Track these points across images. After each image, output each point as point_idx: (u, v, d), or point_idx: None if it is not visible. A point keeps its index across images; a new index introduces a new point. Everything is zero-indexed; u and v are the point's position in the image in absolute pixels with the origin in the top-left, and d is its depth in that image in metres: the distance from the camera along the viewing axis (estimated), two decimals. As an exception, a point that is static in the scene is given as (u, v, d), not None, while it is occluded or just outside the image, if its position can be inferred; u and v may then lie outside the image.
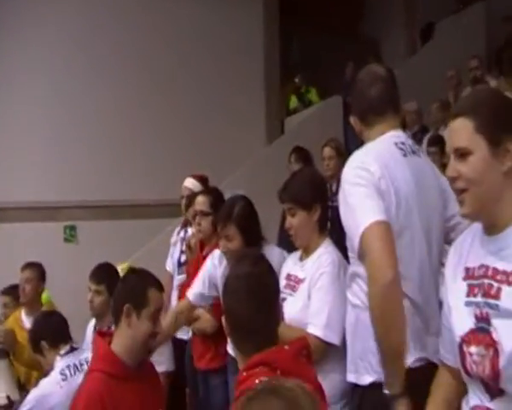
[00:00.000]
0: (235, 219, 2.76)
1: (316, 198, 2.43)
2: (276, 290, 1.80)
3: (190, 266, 3.67)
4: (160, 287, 2.29)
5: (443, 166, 4.73)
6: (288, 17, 8.49)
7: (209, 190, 3.54)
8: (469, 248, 1.54)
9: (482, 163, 1.43)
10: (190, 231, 4.22)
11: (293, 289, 2.41)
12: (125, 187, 7.08)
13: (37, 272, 4.08)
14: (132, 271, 2.50)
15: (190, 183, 4.41)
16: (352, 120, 2.18)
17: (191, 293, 3.02)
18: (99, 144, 7.09)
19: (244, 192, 3.28)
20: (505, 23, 8.44)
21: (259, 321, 1.67)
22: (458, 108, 1.55)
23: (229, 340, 2.85)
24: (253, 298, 1.68)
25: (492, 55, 8.54)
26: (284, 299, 2.38)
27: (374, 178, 1.86)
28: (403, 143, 2.04)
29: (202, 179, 4.46)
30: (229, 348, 2.94)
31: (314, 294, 2.29)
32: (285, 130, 8.33)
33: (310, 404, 1.14)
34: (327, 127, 7.07)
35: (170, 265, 4.51)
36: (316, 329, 2.22)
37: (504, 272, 1.40)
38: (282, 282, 2.45)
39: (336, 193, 4.60)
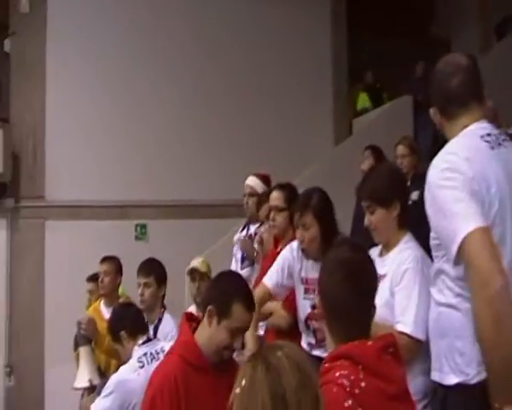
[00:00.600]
0: (313, 208, 2.79)
1: (394, 194, 2.37)
2: (375, 279, 1.75)
3: (264, 261, 3.67)
4: (249, 306, 2.14)
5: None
6: (357, 19, 8.42)
7: (283, 185, 3.48)
8: None
9: None
10: (253, 228, 4.25)
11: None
12: (196, 187, 7.24)
13: (115, 265, 4.24)
14: (230, 274, 2.43)
15: (252, 181, 4.42)
16: (432, 112, 2.10)
17: (269, 281, 2.98)
18: (170, 145, 7.30)
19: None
20: None
21: (355, 306, 1.63)
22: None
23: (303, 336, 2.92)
24: (353, 282, 1.64)
25: None
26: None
27: (466, 179, 1.79)
28: (489, 135, 1.95)
29: (265, 178, 4.45)
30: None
31: (399, 292, 2.25)
32: (353, 131, 8.24)
33: (293, 375, 1.19)
34: (396, 128, 6.93)
35: (234, 266, 4.53)
36: (405, 327, 2.16)
37: None
38: None
39: (410, 192, 4.55)
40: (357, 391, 1.49)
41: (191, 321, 2.29)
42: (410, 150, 4.83)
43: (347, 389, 1.49)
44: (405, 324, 2.17)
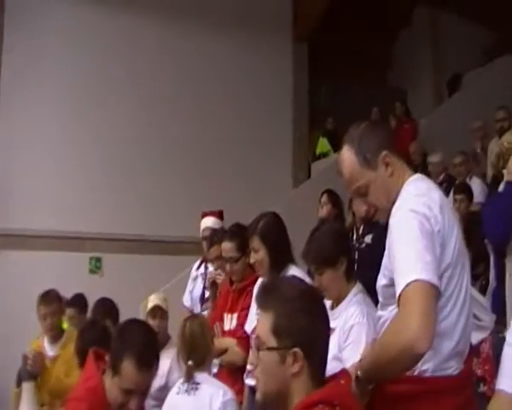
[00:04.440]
0: (259, 232, 2.92)
1: (339, 252, 2.44)
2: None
3: (219, 300, 3.67)
4: (141, 365, 1.89)
5: (469, 214, 4.77)
6: (318, 64, 8.69)
7: (233, 232, 3.43)
8: None
9: None
10: (211, 267, 4.23)
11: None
12: (153, 223, 7.21)
13: (56, 305, 3.95)
14: (132, 326, 2.12)
15: (210, 221, 4.44)
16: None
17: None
18: (128, 180, 7.28)
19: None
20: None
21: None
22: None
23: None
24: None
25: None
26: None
27: (429, 222, 1.71)
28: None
29: (219, 214, 4.51)
30: (247, 379, 2.97)
31: (347, 348, 2.29)
32: (312, 174, 8.40)
33: None
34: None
35: (188, 300, 4.50)
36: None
37: None
38: None
39: (363, 236, 4.64)
40: None
41: (99, 360, 2.05)
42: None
43: None
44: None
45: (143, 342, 1.98)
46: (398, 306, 1.62)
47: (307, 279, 2.70)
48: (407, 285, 1.58)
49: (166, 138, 7.47)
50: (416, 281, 1.57)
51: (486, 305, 2.91)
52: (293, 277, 2.19)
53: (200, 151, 7.62)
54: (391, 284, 1.77)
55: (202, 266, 4.53)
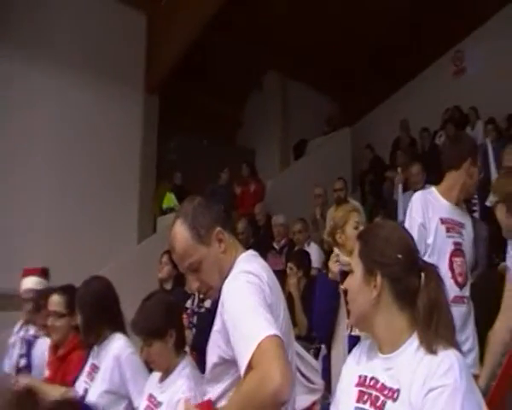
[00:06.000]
0: (77, 297, 2.89)
1: (168, 325, 2.46)
2: None
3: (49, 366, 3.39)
4: None
5: (307, 281, 4.90)
6: (169, 118, 8.68)
7: (65, 287, 3.30)
8: (366, 358, 1.69)
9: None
10: (32, 330, 3.94)
11: (153, 413, 2.40)
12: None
13: None
14: None
15: (31, 282, 4.09)
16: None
17: None
18: None
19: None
20: (367, 150, 9.35)
21: None
22: None
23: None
24: None
25: (357, 178, 9.37)
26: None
27: (263, 285, 1.73)
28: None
29: (43, 272, 4.17)
30: None
31: None
32: (157, 229, 8.25)
33: None
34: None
35: (8, 366, 4.10)
36: None
37: (390, 389, 1.54)
38: (145, 402, 2.48)
39: (203, 300, 4.58)
40: None
41: None
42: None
43: None
44: None
45: None
46: (250, 367, 1.55)
47: (128, 350, 2.73)
48: (260, 344, 1.54)
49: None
50: (267, 337, 1.54)
51: (318, 368, 3.00)
52: None
53: (43, 197, 7.08)
54: (221, 362, 1.76)
55: (23, 329, 4.13)
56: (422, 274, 1.59)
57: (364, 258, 1.64)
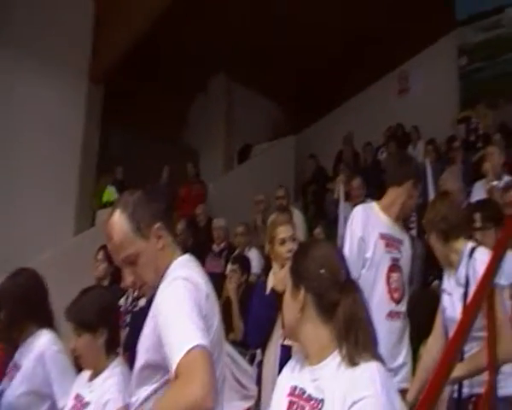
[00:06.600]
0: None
1: (100, 321, 2.40)
2: None
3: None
4: None
5: (246, 286, 4.91)
6: (112, 110, 8.48)
7: None
8: (299, 369, 1.71)
9: None
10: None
11: (81, 412, 2.33)
12: None
13: None
14: None
15: None
16: None
17: None
18: None
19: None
20: (311, 160, 9.44)
21: None
22: None
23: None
24: None
25: (300, 187, 9.45)
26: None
27: (199, 293, 1.71)
28: None
29: None
30: None
31: None
32: (96, 222, 8.05)
33: None
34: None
35: None
36: None
37: (316, 400, 1.58)
38: (71, 402, 2.40)
39: (138, 298, 4.49)
40: None
41: None
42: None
43: None
44: None
45: None
46: (177, 373, 1.52)
47: (53, 348, 2.64)
48: (188, 352, 1.52)
49: None
50: (196, 346, 1.52)
51: (253, 374, 3.02)
52: None
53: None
54: (147, 366, 1.74)
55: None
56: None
57: (292, 273, 1.72)
